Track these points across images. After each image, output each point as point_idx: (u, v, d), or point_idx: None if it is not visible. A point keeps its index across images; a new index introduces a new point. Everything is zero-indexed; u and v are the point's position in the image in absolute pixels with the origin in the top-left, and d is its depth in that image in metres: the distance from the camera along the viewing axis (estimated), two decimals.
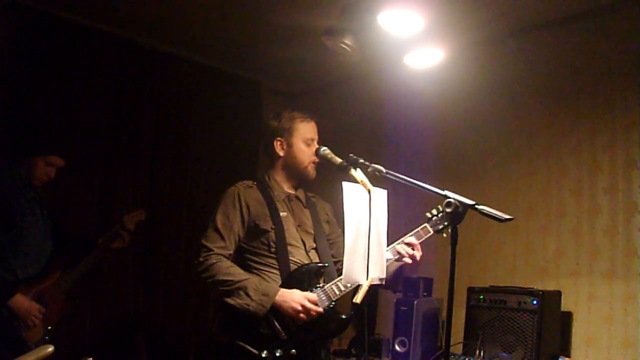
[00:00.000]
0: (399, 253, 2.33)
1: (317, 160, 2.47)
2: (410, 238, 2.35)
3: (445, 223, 2.33)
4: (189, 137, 4.47)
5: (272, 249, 2.36)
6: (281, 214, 2.43)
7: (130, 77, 4.15)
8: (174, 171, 4.35)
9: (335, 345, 3.52)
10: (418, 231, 2.37)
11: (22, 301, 2.79)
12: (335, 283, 2.32)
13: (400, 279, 2.47)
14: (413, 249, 2.32)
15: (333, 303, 2.31)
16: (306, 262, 2.39)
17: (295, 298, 2.24)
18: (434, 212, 2.39)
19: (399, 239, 2.36)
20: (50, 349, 2.21)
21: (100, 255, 3.15)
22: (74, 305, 3.17)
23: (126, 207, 3.37)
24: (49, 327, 2.92)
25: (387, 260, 2.31)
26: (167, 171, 4.32)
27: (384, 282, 2.17)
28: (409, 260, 2.32)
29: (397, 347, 3.40)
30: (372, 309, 3.94)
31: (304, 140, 2.48)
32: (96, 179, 3.94)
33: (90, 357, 2.35)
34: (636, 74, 3.18)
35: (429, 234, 2.36)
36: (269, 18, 3.70)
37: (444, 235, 2.33)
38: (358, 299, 2.03)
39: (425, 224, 2.38)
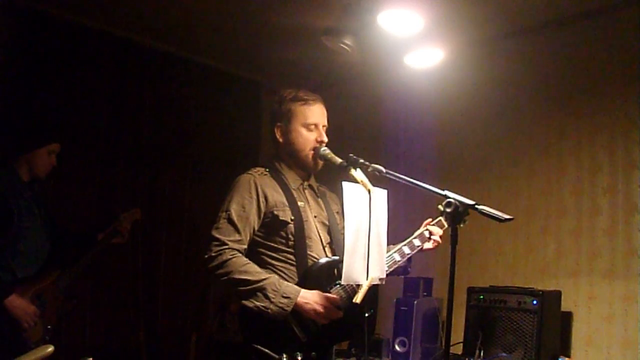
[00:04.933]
0: (430, 232, 2.29)
1: (319, 147, 2.29)
2: (425, 232, 2.32)
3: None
4: (189, 137, 4.47)
5: (290, 243, 2.19)
6: (299, 203, 2.25)
7: (130, 77, 4.15)
8: (173, 171, 4.36)
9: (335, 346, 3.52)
10: (433, 225, 2.34)
11: (17, 302, 2.78)
12: None
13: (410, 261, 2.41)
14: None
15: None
16: (323, 257, 2.24)
17: (317, 300, 2.08)
18: None
19: (403, 240, 2.34)
20: (50, 349, 2.20)
21: (100, 250, 3.15)
22: (72, 304, 3.16)
23: (123, 206, 3.35)
24: (49, 327, 2.92)
25: (396, 261, 2.27)
26: (167, 171, 4.32)
27: (383, 282, 2.15)
28: (438, 240, 2.30)
29: (397, 347, 3.40)
30: (372, 307, 3.94)
31: (304, 125, 2.28)
32: (96, 179, 3.94)
33: (90, 357, 2.34)
34: (636, 74, 3.18)
35: (444, 228, 2.31)
36: (269, 18, 3.70)
37: (460, 225, 2.29)
38: (358, 299, 2.00)
39: (440, 218, 2.32)
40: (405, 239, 2.32)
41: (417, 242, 2.31)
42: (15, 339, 2.77)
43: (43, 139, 3.03)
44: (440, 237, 2.32)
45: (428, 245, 2.32)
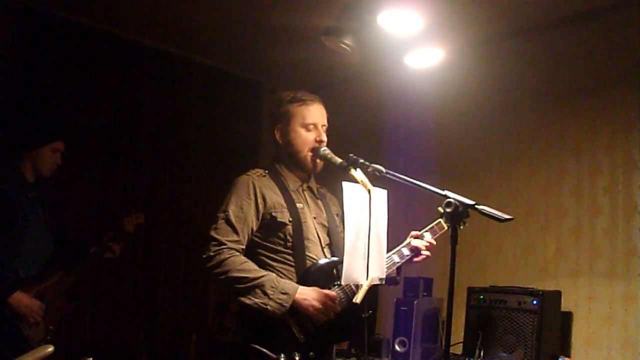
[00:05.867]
0: (416, 248, 2.27)
1: (318, 147, 2.29)
2: (425, 234, 2.31)
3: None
4: (189, 137, 4.47)
5: (289, 244, 2.20)
6: (297, 205, 2.26)
7: (130, 77, 4.15)
8: (173, 171, 4.36)
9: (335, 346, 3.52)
10: (433, 227, 2.32)
11: (23, 298, 2.79)
12: None
13: (401, 273, 2.40)
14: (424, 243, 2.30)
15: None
16: (321, 258, 2.25)
17: (315, 296, 2.08)
18: None
19: (401, 241, 2.34)
20: (50, 349, 2.20)
21: (91, 264, 3.10)
22: (74, 305, 3.16)
23: (126, 210, 3.34)
24: (50, 327, 2.92)
25: (395, 263, 2.26)
26: (167, 171, 4.32)
27: (383, 282, 2.15)
28: (427, 253, 2.27)
29: (397, 347, 3.40)
30: (372, 307, 3.94)
31: (303, 126, 2.28)
32: (96, 179, 3.94)
33: (90, 357, 2.34)
34: (636, 74, 3.18)
35: (444, 230, 2.28)
36: (269, 18, 3.70)
37: (461, 227, 2.29)
38: (358, 299, 2.00)
39: (440, 220, 2.29)
40: (403, 242, 2.32)
41: (416, 244, 2.30)
42: (17, 339, 2.78)
43: (46, 137, 3.02)
44: (427, 247, 2.29)
45: (417, 258, 2.31)
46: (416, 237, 2.32)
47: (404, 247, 2.30)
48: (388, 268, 2.22)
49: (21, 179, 2.95)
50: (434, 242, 2.32)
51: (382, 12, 3.18)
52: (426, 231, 2.33)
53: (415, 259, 2.32)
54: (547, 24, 3.56)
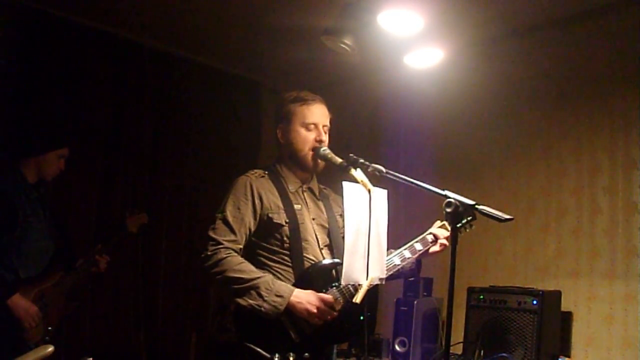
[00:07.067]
0: (435, 236, 2.30)
1: (319, 146, 2.30)
2: (429, 236, 2.33)
3: (468, 219, 2.27)
4: (189, 138, 4.47)
5: (286, 245, 2.22)
6: (295, 206, 2.28)
7: (130, 77, 4.15)
8: (173, 171, 4.36)
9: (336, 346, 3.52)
10: (439, 227, 2.34)
11: (20, 302, 2.79)
12: None
13: (420, 265, 2.40)
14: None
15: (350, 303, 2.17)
16: (320, 259, 2.26)
17: (310, 300, 2.09)
18: None
19: (404, 241, 2.33)
20: (50, 349, 2.20)
21: (77, 278, 3.07)
22: (74, 306, 3.16)
23: (129, 210, 3.33)
24: (49, 328, 2.92)
25: (406, 259, 2.27)
26: (167, 171, 4.32)
27: (383, 282, 2.15)
28: (445, 242, 2.29)
29: (397, 347, 3.40)
30: (372, 308, 3.94)
31: (303, 125, 2.30)
32: (96, 179, 3.94)
33: (90, 357, 2.34)
34: (636, 75, 3.18)
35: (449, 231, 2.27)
36: (268, 18, 3.70)
37: (467, 230, 2.30)
38: (357, 299, 2.00)
39: (444, 222, 2.32)
40: (406, 243, 2.32)
41: (418, 247, 2.31)
42: (16, 339, 2.77)
43: (54, 143, 3.04)
44: (446, 238, 2.31)
45: (435, 248, 2.32)
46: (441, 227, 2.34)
47: (417, 242, 2.31)
48: (388, 270, 2.20)
49: (22, 180, 2.96)
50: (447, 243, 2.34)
51: (382, 12, 3.18)
52: (429, 234, 2.34)
53: (433, 249, 2.33)
54: (547, 24, 3.56)
